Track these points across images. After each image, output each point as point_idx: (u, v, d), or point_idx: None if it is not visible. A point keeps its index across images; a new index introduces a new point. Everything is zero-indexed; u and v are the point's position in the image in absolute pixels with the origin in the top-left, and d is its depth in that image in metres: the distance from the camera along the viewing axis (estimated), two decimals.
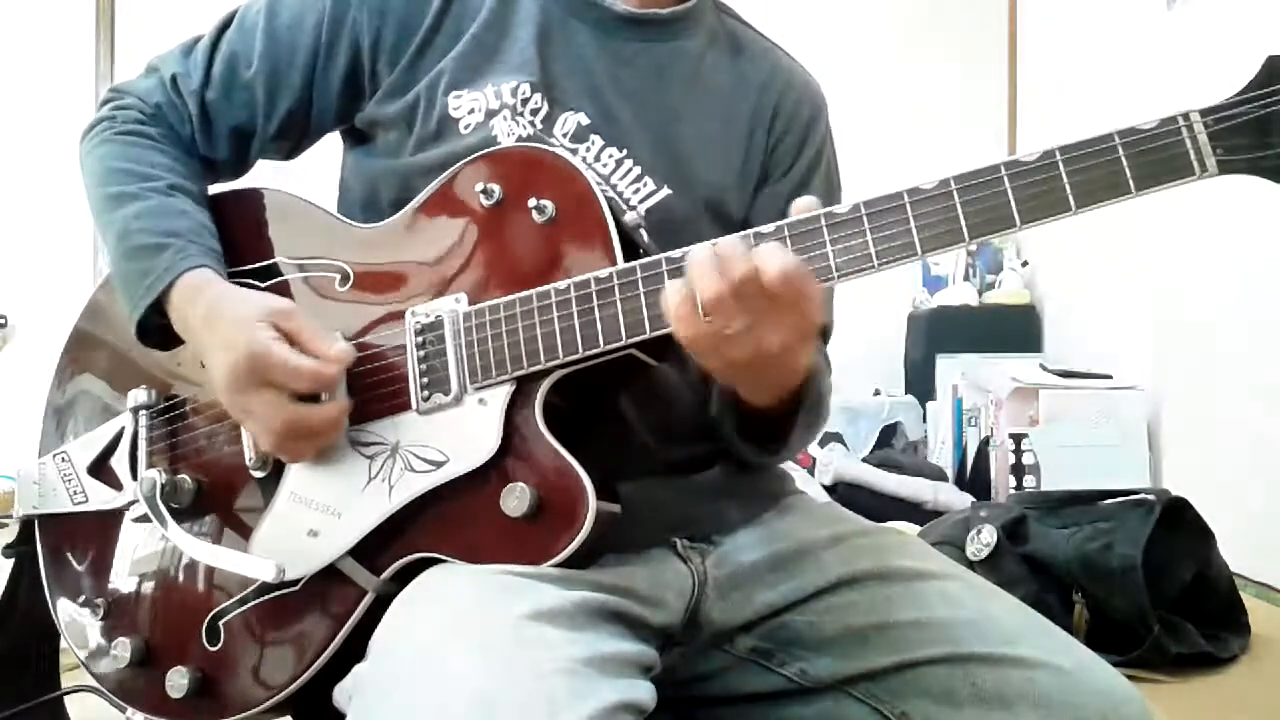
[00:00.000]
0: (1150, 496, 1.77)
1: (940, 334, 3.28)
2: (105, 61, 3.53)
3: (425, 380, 0.92)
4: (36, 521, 1.10)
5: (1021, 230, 0.81)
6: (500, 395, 0.89)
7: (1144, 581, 1.66)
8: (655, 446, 1.01)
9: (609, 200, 0.90)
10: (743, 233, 0.83)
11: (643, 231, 0.94)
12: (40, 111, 3.39)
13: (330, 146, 1.12)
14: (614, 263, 0.88)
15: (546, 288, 0.88)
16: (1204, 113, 0.77)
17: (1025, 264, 3.50)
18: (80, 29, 3.52)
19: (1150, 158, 0.77)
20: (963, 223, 0.80)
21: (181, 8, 2.40)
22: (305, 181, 1.10)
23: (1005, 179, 0.80)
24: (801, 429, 0.99)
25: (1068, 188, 0.79)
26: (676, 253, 0.86)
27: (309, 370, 0.90)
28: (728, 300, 0.79)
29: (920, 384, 3.29)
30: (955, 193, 0.80)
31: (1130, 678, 0.92)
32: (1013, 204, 0.79)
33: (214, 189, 1.09)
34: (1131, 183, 0.78)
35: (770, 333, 0.81)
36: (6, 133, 3.44)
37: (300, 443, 0.92)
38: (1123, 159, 0.78)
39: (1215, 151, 0.76)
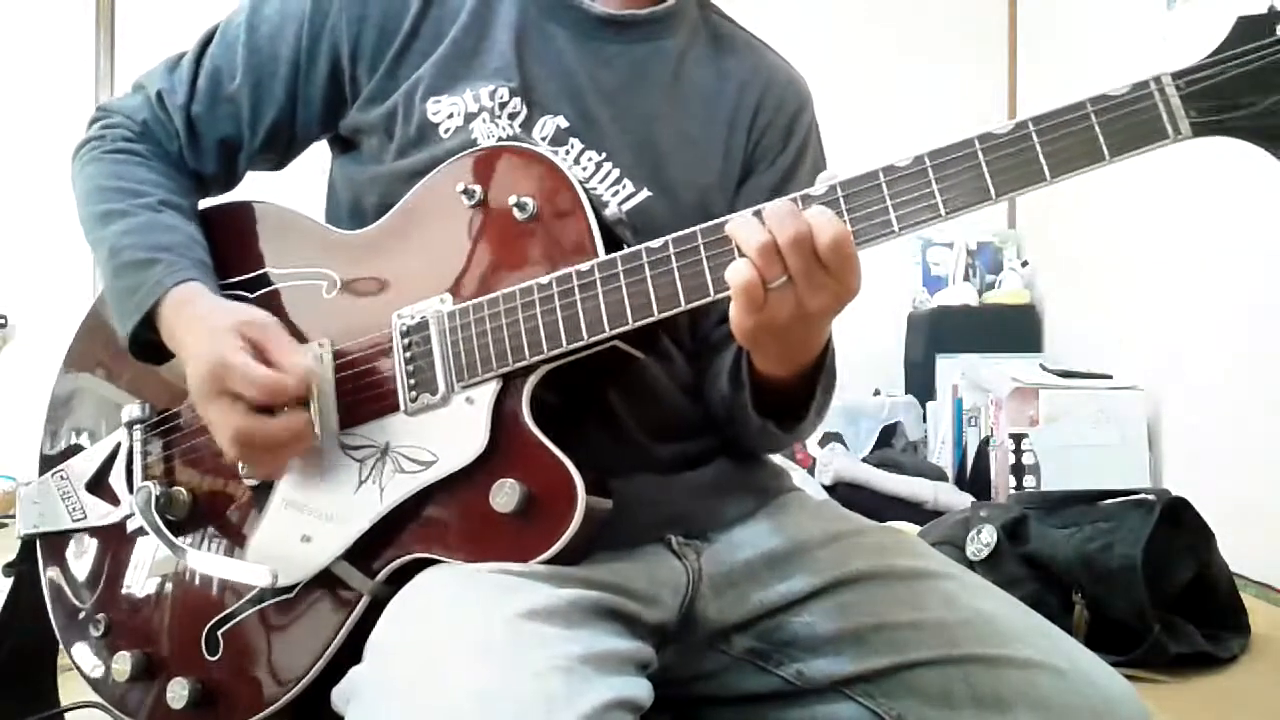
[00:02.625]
0: (1150, 496, 1.77)
1: (940, 334, 3.28)
2: (105, 62, 3.53)
3: (412, 381, 0.92)
4: (38, 540, 1.10)
5: (998, 202, 0.81)
6: (487, 393, 0.89)
7: (1144, 581, 1.65)
8: (647, 443, 1.01)
9: (589, 194, 0.91)
10: (791, 195, 0.83)
11: (624, 226, 0.94)
12: (40, 112, 3.39)
13: (319, 155, 1.12)
14: (596, 255, 0.88)
15: (529, 283, 0.89)
16: (1176, 75, 0.77)
17: (1025, 264, 3.50)
18: (80, 29, 3.52)
19: (1124, 123, 0.78)
20: (938, 198, 0.80)
21: (181, 8, 2.39)
22: (296, 190, 1.11)
23: (979, 152, 0.80)
24: (818, 404, 0.98)
25: (1042, 158, 0.79)
26: (656, 243, 0.86)
27: (264, 380, 0.89)
28: (772, 253, 0.80)
29: (920, 384, 3.29)
30: (930, 169, 0.81)
31: (1130, 678, 0.92)
32: (988, 176, 0.80)
33: (203, 203, 1.09)
34: (1106, 149, 0.78)
35: (813, 295, 0.81)
36: (7, 133, 3.44)
37: (258, 454, 0.92)
38: (1096, 126, 0.78)
39: (1189, 114, 0.77)
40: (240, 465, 0.97)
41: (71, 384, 1.12)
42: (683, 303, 0.85)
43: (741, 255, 0.81)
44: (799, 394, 0.96)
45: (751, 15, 1.18)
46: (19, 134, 3.43)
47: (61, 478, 1.08)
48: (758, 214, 0.82)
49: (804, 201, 0.83)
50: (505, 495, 0.86)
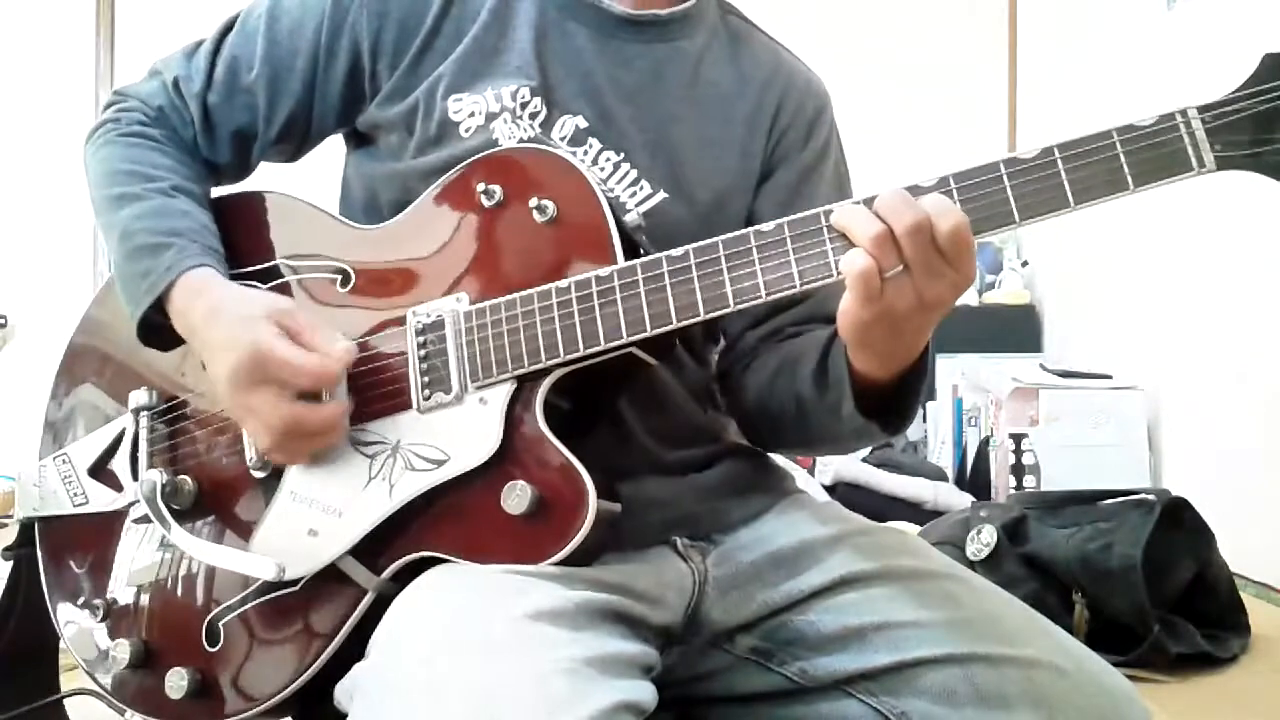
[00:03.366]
0: (1150, 496, 1.76)
1: (940, 334, 3.24)
2: (105, 62, 3.53)
3: (426, 379, 0.92)
4: (37, 524, 1.10)
5: (1021, 226, 0.81)
6: (501, 394, 0.89)
7: (1144, 581, 1.65)
8: (655, 448, 1.01)
9: (609, 200, 0.91)
10: (903, 186, 0.81)
11: (642, 232, 0.94)
12: (40, 112, 3.38)
13: (334, 149, 1.12)
14: (614, 262, 0.88)
15: (547, 287, 0.89)
16: (1202, 109, 0.78)
17: (1025, 264, 3.50)
18: (80, 29, 3.52)
19: (1149, 154, 0.78)
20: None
21: (181, 8, 2.39)
22: (308, 183, 1.11)
23: (1004, 176, 0.80)
24: (914, 406, 0.95)
25: (1066, 185, 0.79)
26: (677, 251, 0.86)
27: (311, 367, 0.90)
28: (888, 241, 0.78)
29: None
30: (955, 191, 0.81)
31: (1130, 678, 0.92)
32: (1012, 201, 0.80)
33: (217, 191, 1.09)
34: (1130, 179, 0.78)
35: (931, 284, 0.80)
36: (6, 133, 3.44)
37: (299, 442, 0.92)
38: (1121, 156, 0.78)
39: (1214, 148, 0.77)
40: (249, 457, 0.96)
41: (68, 397, 1.12)
42: (702, 313, 0.85)
43: (851, 245, 0.80)
44: (895, 395, 0.93)
45: (751, 12, 1.17)
46: (19, 133, 3.42)
47: (63, 462, 1.08)
48: (866, 203, 0.81)
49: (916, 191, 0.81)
50: (516, 497, 0.86)
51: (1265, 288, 2.29)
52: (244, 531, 0.97)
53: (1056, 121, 3.34)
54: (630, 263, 0.87)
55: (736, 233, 0.85)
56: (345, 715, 0.81)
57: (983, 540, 1.80)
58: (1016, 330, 3.33)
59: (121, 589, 1.03)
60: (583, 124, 1.02)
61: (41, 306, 3.32)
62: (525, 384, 0.89)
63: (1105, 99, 2.98)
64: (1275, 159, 0.77)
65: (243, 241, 1.04)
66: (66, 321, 1.14)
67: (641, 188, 1.02)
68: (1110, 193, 0.79)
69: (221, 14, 1.09)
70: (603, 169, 1.01)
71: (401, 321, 0.94)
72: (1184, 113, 0.78)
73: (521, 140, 0.99)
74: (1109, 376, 2.80)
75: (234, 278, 1.00)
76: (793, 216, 0.84)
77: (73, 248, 3.34)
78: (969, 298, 3.41)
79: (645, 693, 0.79)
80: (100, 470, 1.06)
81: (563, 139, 1.01)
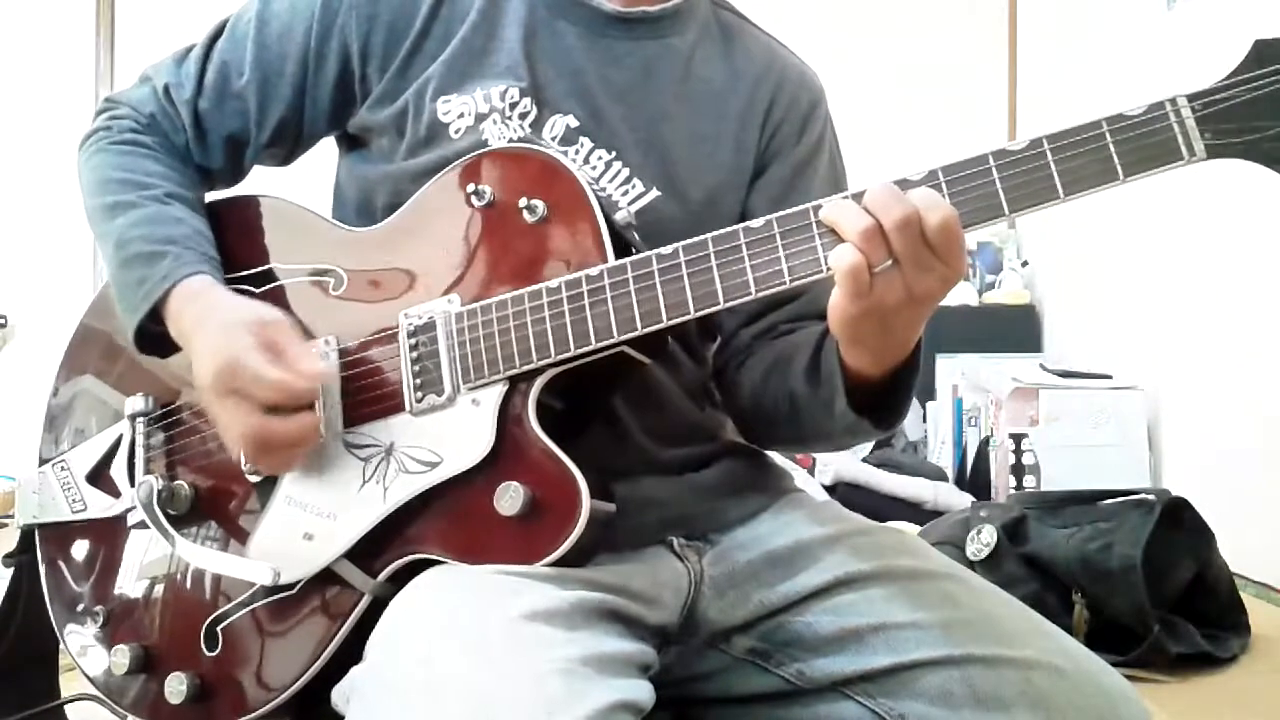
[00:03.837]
0: (1150, 496, 1.76)
1: (940, 334, 3.27)
2: (105, 62, 3.53)
3: (418, 381, 0.92)
4: (37, 531, 1.10)
5: (1011, 218, 0.81)
6: (493, 395, 0.89)
7: (1144, 581, 1.65)
8: (651, 447, 1.01)
9: (599, 198, 0.91)
10: (892, 180, 0.81)
11: (633, 230, 0.94)
12: (40, 113, 3.38)
13: (326, 152, 1.12)
14: (605, 260, 0.88)
15: (538, 286, 0.89)
16: (1191, 97, 0.77)
17: (1025, 264, 3.50)
18: (80, 30, 3.52)
19: (1139, 143, 0.78)
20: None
21: (181, 9, 2.39)
22: (303, 187, 1.11)
23: (993, 168, 0.80)
24: (906, 402, 0.95)
25: (1056, 175, 0.79)
26: (666, 249, 0.86)
27: (276, 382, 0.89)
28: (877, 236, 0.78)
29: (920, 384, 3.29)
30: (943, 184, 0.80)
31: (1130, 678, 0.91)
32: (1001, 193, 0.80)
33: (210, 196, 1.09)
34: (1120, 169, 0.78)
35: (920, 278, 0.80)
36: (6, 133, 3.44)
37: (267, 455, 0.92)
38: (1111, 146, 0.78)
39: (1203, 136, 0.77)
40: (244, 461, 0.96)
41: (70, 391, 1.12)
42: (692, 310, 0.85)
43: (840, 240, 0.80)
44: (887, 391, 0.93)
45: (748, 10, 1.17)
46: (19, 133, 3.42)
47: (61, 468, 1.08)
48: (855, 198, 0.81)
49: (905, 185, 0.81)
50: (509, 498, 0.86)
51: (1265, 287, 2.29)
52: (240, 536, 0.97)
53: (1057, 122, 3.33)
54: (620, 261, 0.87)
55: (726, 230, 0.85)
56: (342, 717, 0.81)
57: (983, 540, 1.80)
58: (1016, 330, 3.33)
59: (120, 594, 1.03)
60: (573, 123, 1.02)
61: (41, 306, 3.32)
62: (517, 384, 0.89)
63: (1105, 99, 2.96)
64: (1266, 146, 0.76)
65: (236, 246, 1.04)
66: (66, 321, 1.14)
67: (634, 186, 1.02)
68: (1100, 183, 0.79)
69: (222, 14, 1.09)
70: (594, 168, 1.01)
71: (393, 324, 0.94)
72: (1173, 101, 0.77)
73: (511, 140, 0.99)
74: (1109, 376, 2.80)
75: (229, 282, 1.00)
76: (782, 212, 0.84)
77: (73, 248, 3.34)
78: (969, 297, 3.42)
79: (643, 692, 0.79)
80: (98, 476, 1.06)
81: (553, 139, 1.01)
